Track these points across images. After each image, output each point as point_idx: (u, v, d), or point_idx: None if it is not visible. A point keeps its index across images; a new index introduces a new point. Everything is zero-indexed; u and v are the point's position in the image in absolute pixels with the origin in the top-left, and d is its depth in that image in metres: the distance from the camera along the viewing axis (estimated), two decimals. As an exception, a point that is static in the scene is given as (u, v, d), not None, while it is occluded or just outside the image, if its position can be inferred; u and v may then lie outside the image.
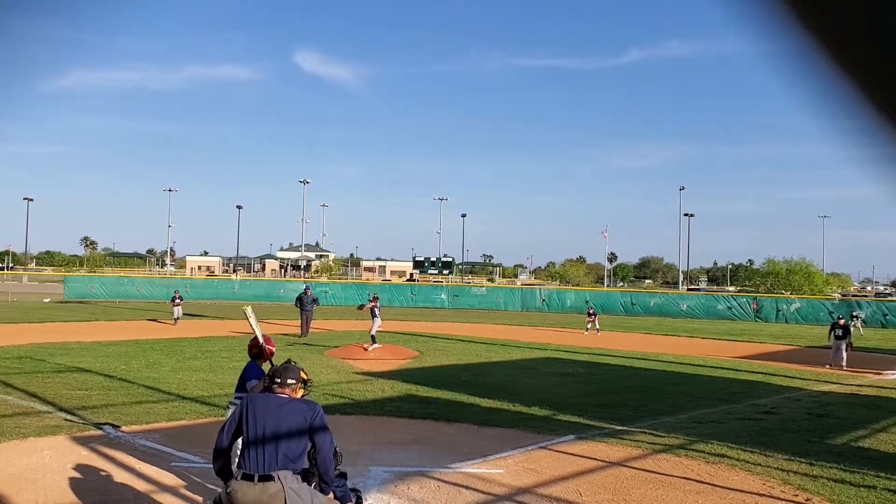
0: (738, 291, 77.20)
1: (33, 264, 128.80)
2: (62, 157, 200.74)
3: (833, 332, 21.30)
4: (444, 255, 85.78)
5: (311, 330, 26.73)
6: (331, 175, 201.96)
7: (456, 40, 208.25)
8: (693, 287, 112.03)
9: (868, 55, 0.57)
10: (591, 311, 32.89)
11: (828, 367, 20.51)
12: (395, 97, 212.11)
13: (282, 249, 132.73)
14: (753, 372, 19.31)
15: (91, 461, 8.60)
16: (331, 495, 5.33)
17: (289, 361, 5.59)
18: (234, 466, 5.15)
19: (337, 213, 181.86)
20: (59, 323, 29.30)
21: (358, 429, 10.66)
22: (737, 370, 19.57)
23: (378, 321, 22.02)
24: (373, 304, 22.39)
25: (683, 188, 79.51)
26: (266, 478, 4.95)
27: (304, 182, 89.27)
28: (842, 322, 21.54)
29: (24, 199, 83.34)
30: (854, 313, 38.42)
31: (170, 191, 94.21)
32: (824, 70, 0.57)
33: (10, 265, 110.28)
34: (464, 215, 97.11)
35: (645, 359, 21.52)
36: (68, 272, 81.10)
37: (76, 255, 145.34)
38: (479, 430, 10.94)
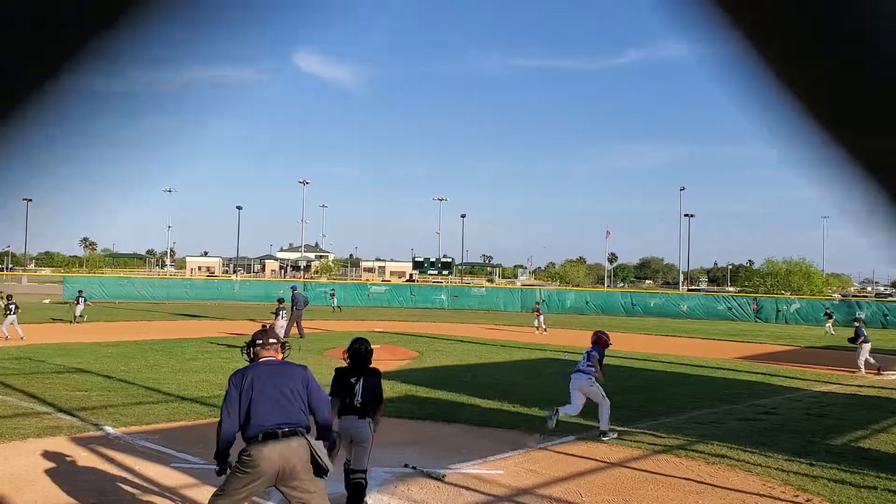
0: (739, 292, 77.16)
1: (32, 265, 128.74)
2: (57, 154, 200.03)
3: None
4: (444, 256, 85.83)
5: (307, 331, 26.66)
6: (330, 175, 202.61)
7: (455, 41, 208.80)
8: (693, 287, 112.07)
9: (791, 55, 0.58)
10: (537, 308, 32.22)
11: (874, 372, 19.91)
12: (394, 97, 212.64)
13: (282, 250, 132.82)
14: (753, 372, 19.31)
15: (91, 462, 8.59)
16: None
17: (264, 327, 6.03)
18: (248, 433, 5.28)
19: (336, 214, 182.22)
20: (59, 324, 29.37)
21: (358, 429, 10.63)
22: (737, 371, 19.57)
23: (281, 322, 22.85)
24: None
25: (683, 188, 79.66)
26: (290, 433, 5.21)
27: (304, 182, 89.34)
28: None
29: (24, 199, 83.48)
30: (827, 311, 38.53)
31: (169, 191, 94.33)
32: (758, 73, 0.57)
33: (10, 266, 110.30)
34: (463, 216, 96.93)
35: (645, 359, 21.52)
36: (68, 273, 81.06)
37: (76, 256, 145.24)
38: (478, 430, 10.93)
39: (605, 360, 11.13)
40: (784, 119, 0.60)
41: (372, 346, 7.23)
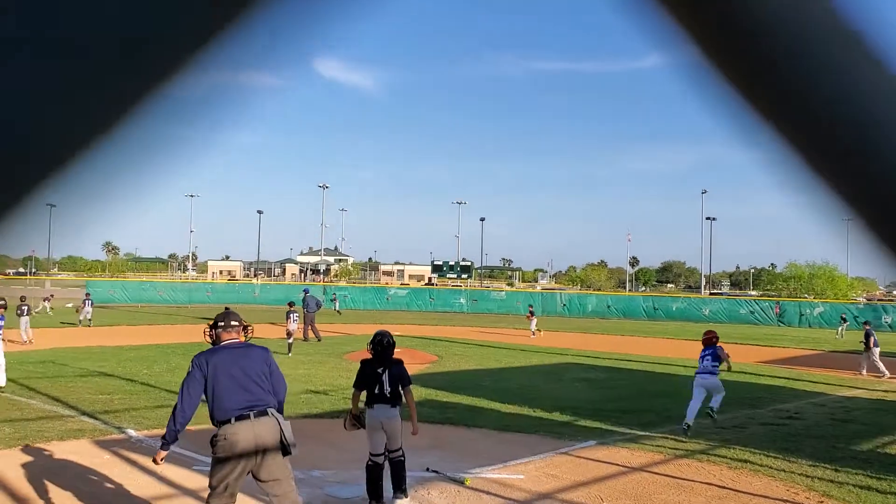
0: (761, 296, 76.46)
1: (56, 269, 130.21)
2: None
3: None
4: (463, 260, 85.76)
5: (324, 335, 26.70)
6: (350, 179, 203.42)
7: (473, 45, 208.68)
8: (715, 291, 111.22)
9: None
10: (531, 312, 31.94)
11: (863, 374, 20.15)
12: (413, 102, 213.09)
13: (302, 254, 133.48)
14: (776, 377, 19.12)
15: (114, 465, 8.66)
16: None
17: (228, 309, 6.31)
18: (219, 416, 5.43)
19: (356, 218, 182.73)
20: (82, 327, 29.65)
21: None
22: (759, 375, 19.37)
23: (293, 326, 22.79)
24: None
25: (705, 191, 78.99)
26: (261, 413, 5.42)
27: (324, 187, 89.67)
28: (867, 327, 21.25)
29: (47, 204, 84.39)
30: (843, 315, 38.23)
31: (191, 196, 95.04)
32: (715, 79, 0.61)
33: (34, 270, 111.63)
34: (482, 219, 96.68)
35: (667, 363, 21.36)
36: (91, 277, 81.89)
37: (98, 261, 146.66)
38: (499, 435, 10.90)
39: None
40: (751, 126, 0.64)
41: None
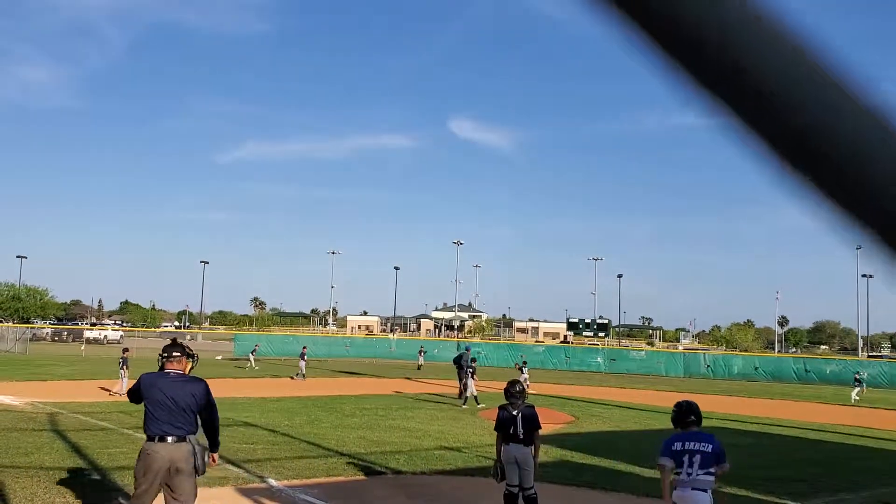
0: (928, 359, 70.15)
1: (207, 323, 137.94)
2: (235, 223, 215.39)
3: None
4: (600, 317, 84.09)
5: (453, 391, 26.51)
6: (484, 236, 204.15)
7: (610, 101, 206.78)
8: (874, 354, 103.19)
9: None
10: (523, 364, 30.86)
11: None
12: (547, 159, 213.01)
13: (436, 309, 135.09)
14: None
15: (254, 513, 8.86)
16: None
17: (174, 340, 7.11)
18: (147, 432, 6.49)
19: (490, 274, 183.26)
20: (230, 379, 31.08)
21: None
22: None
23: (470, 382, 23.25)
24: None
25: (860, 247, 74.03)
26: (180, 439, 6.44)
27: (458, 243, 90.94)
28: None
29: (201, 262, 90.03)
30: (857, 375, 33.96)
31: (333, 253, 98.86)
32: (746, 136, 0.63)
33: (187, 324, 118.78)
34: (620, 276, 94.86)
35: (821, 430, 19.83)
36: (239, 331, 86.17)
37: (246, 315, 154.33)
38: (639, 500, 10.39)
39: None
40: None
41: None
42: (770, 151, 0.62)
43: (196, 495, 6.65)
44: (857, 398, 31.76)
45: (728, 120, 0.62)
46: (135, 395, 6.78)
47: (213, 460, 6.96)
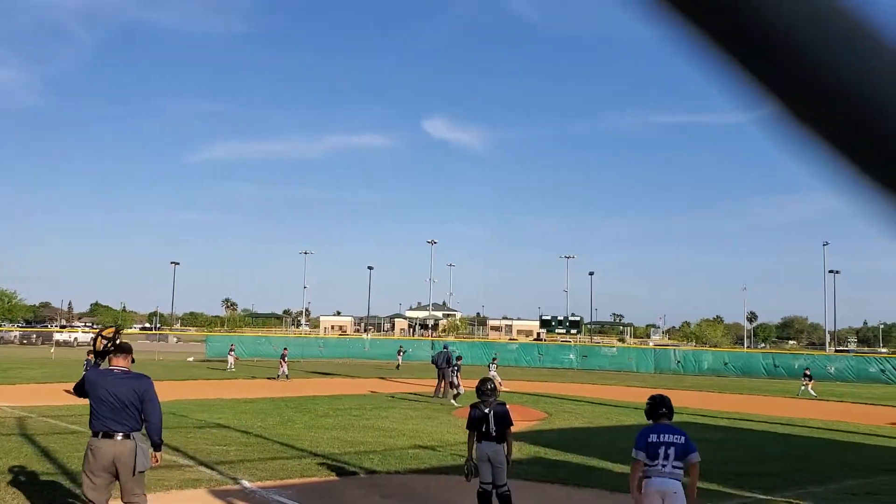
0: (893, 353, 71.54)
1: (179, 325, 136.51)
2: (206, 223, 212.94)
3: None
4: (572, 315, 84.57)
5: (427, 390, 26.61)
6: (458, 235, 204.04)
7: (588, 99, 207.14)
8: (841, 349, 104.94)
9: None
10: (494, 360, 30.87)
11: None
12: (519, 158, 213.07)
13: (410, 309, 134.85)
14: (915, 441, 17.67)
15: (228, 515, 8.82)
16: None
17: (117, 328, 7.44)
18: (92, 429, 6.69)
19: (463, 273, 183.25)
20: (201, 381, 30.81)
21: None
22: (893, 438, 17.97)
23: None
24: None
25: (827, 243, 75.46)
26: (125, 436, 6.63)
27: (432, 242, 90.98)
28: None
29: (171, 262, 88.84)
30: (806, 371, 34.60)
31: (306, 253, 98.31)
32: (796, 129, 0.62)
33: (158, 325, 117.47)
34: (591, 273, 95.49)
35: (790, 424, 20.14)
36: (210, 332, 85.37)
37: (218, 316, 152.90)
38: (612, 496, 10.48)
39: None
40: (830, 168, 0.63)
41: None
42: (831, 146, 0.61)
43: (144, 493, 6.86)
44: (813, 392, 32.10)
45: (787, 112, 0.60)
46: (79, 390, 7.00)
47: (156, 459, 7.05)
